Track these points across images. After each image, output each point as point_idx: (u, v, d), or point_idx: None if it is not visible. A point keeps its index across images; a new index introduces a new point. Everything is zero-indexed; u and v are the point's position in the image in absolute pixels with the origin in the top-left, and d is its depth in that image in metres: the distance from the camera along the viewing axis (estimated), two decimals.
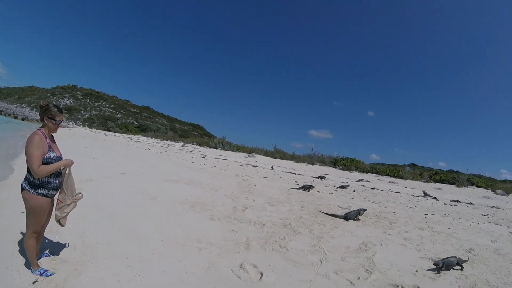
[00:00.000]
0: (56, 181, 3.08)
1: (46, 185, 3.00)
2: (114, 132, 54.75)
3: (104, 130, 57.27)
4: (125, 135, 47.69)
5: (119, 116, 77.72)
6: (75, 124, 62.71)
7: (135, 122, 75.36)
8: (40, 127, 3.10)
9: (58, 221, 3.22)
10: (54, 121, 3.10)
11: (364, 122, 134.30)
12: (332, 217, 7.00)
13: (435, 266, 4.33)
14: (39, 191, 2.95)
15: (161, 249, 4.03)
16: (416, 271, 4.31)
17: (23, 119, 55.24)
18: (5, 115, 57.72)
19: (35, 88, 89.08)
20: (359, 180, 18.57)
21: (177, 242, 4.33)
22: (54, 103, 2.96)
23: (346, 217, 6.89)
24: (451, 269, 4.37)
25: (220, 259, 3.94)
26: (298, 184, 12.19)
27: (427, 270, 4.36)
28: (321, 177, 16.87)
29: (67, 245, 3.70)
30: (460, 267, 4.44)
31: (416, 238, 6.07)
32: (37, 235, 3.11)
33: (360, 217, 6.99)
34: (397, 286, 3.75)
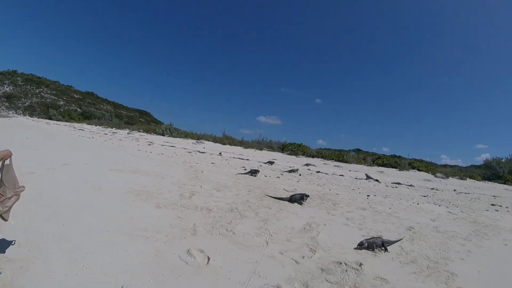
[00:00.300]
0: None
1: None
2: (57, 120, 51.43)
3: (46, 118, 53.68)
4: (68, 123, 45.11)
5: (61, 103, 73.13)
6: (16, 113, 58.21)
7: (78, 109, 71.31)
8: None
9: (0, 215, 3.05)
10: None
11: (311, 109, 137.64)
12: (277, 200, 7.23)
13: (359, 247, 4.59)
14: None
15: (107, 240, 3.98)
16: (359, 249, 4.56)
17: None
18: None
19: None
20: (305, 165, 19.20)
21: (123, 232, 4.30)
22: None
23: (291, 199, 7.14)
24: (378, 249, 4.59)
25: (167, 246, 3.98)
26: (245, 169, 12.38)
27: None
28: (270, 162, 17.23)
29: (12, 243, 3.53)
30: (384, 249, 4.62)
31: (358, 218, 6.43)
32: None
33: (303, 202, 7.21)
34: (340, 263, 3.96)
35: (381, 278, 3.67)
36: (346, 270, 3.79)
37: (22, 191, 3.18)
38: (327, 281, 3.51)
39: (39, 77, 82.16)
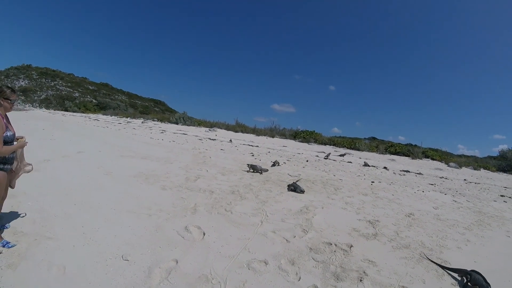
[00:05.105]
0: (12, 155, 3.35)
1: (8, 160, 3.29)
2: (73, 112, 52.41)
3: (62, 110, 54.92)
4: (83, 114, 46.04)
5: (76, 94, 74.66)
6: (32, 106, 59.80)
7: (93, 100, 72.50)
8: None
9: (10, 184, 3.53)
10: (9, 101, 3.34)
11: (325, 96, 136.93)
12: (279, 184, 7.34)
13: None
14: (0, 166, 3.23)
15: (113, 217, 4.33)
16: (352, 232, 4.68)
17: None
18: None
19: None
20: (316, 152, 19.07)
21: (129, 210, 4.64)
22: (9, 85, 3.27)
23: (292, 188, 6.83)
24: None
25: (167, 223, 4.29)
26: (253, 155, 12.53)
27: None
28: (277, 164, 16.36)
29: (27, 220, 3.93)
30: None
31: (357, 203, 6.49)
32: None
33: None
34: (331, 244, 4.12)
35: (369, 261, 3.76)
36: (334, 251, 3.94)
37: (30, 170, 3.73)
38: (313, 259, 3.67)
39: (53, 70, 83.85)
